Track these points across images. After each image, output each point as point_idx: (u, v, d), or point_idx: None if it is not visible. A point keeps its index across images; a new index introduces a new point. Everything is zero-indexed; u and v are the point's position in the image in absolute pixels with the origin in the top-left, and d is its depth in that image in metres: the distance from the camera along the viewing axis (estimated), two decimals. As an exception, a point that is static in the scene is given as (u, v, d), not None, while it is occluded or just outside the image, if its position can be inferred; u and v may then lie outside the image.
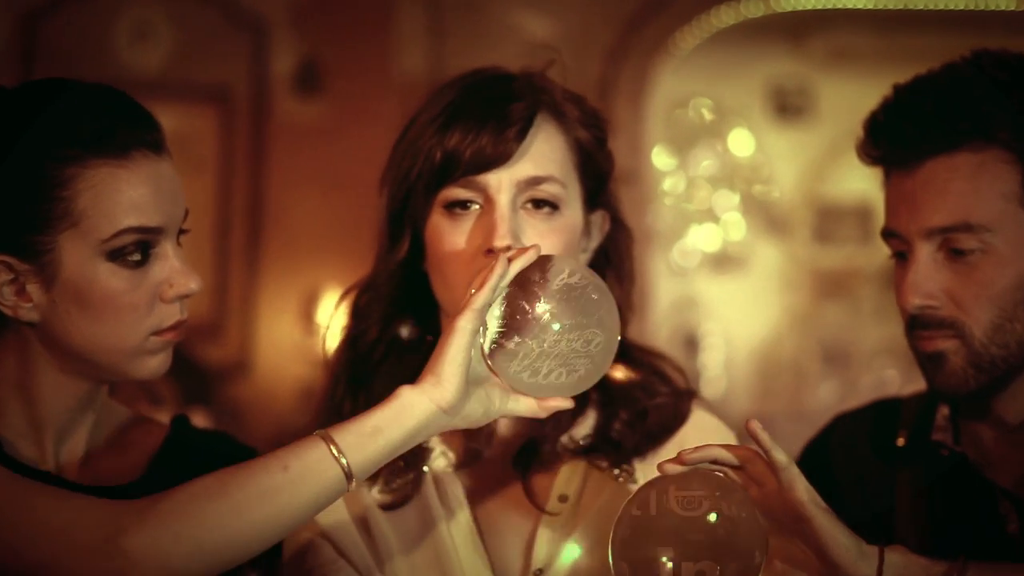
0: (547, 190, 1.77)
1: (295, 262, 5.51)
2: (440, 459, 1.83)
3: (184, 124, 5.51)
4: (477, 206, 1.77)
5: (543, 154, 1.78)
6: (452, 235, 1.78)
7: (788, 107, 7.42)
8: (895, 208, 1.87)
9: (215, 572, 1.54)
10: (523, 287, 1.63)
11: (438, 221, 1.79)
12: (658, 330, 6.51)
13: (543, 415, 1.67)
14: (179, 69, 5.55)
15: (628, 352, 1.87)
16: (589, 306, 1.63)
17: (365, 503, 1.82)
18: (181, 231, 1.70)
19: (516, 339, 1.62)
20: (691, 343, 7.22)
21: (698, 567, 1.54)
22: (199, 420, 3.44)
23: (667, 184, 7.31)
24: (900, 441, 1.94)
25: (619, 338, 1.66)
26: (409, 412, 1.58)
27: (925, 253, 1.82)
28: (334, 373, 1.87)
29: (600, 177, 1.86)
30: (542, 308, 1.62)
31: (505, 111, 1.76)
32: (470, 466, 1.83)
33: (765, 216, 7.45)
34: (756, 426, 1.60)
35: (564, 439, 1.83)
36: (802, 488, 1.58)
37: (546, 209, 1.78)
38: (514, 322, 1.62)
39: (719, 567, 1.54)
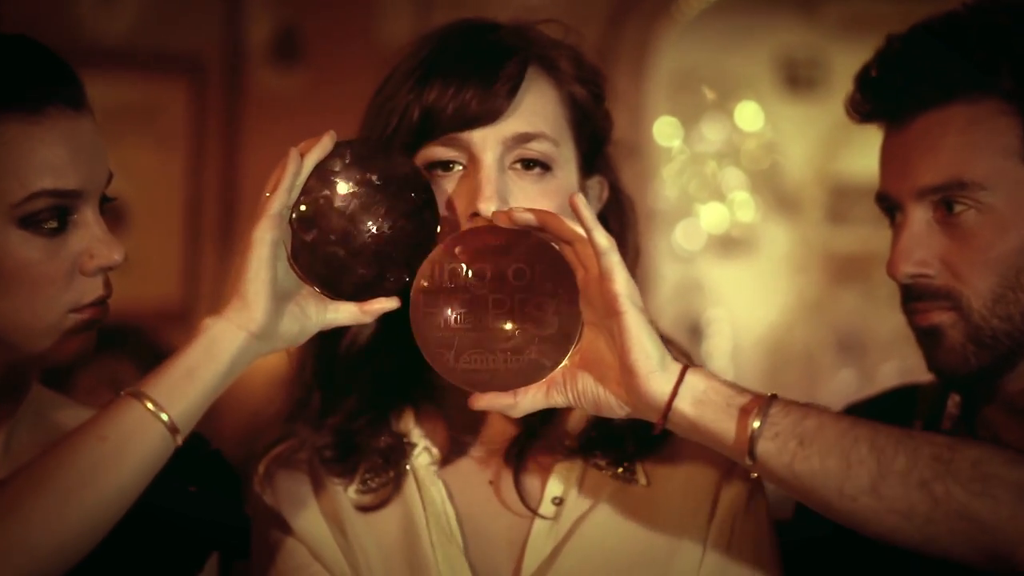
0: (537, 148, 1.72)
1: (272, 243, 5.49)
2: (423, 455, 1.79)
3: (153, 96, 5.48)
4: (460, 167, 1.72)
5: (533, 110, 1.73)
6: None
7: (799, 79, 7.40)
8: (887, 169, 1.83)
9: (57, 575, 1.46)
10: (323, 179, 1.61)
11: None
12: (660, 317, 6.49)
13: (367, 319, 1.64)
14: (147, 36, 5.51)
15: None
16: (402, 195, 1.63)
17: (340, 503, 1.77)
18: (106, 199, 1.64)
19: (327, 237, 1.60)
20: (696, 330, 7.20)
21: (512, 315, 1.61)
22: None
23: (670, 160, 7.30)
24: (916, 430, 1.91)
25: (438, 228, 1.65)
26: (220, 345, 1.53)
27: (917, 216, 1.78)
28: (300, 359, 1.82)
29: (597, 138, 1.81)
30: (348, 205, 1.61)
31: (492, 64, 1.71)
32: (455, 463, 1.79)
33: (775, 195, 7.43)
34: (579, 200, 1.60)
35: (558, 435, 1.79)
36: (621, 279, 1.57)
37: (536, 170, 1.73)
38: (320, 220, 1.60)
39: (527, 328, 1.61)
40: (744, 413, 1.58)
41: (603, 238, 1.58)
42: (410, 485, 1.77)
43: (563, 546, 1.72)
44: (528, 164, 1.73)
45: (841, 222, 7.31)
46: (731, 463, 1.76)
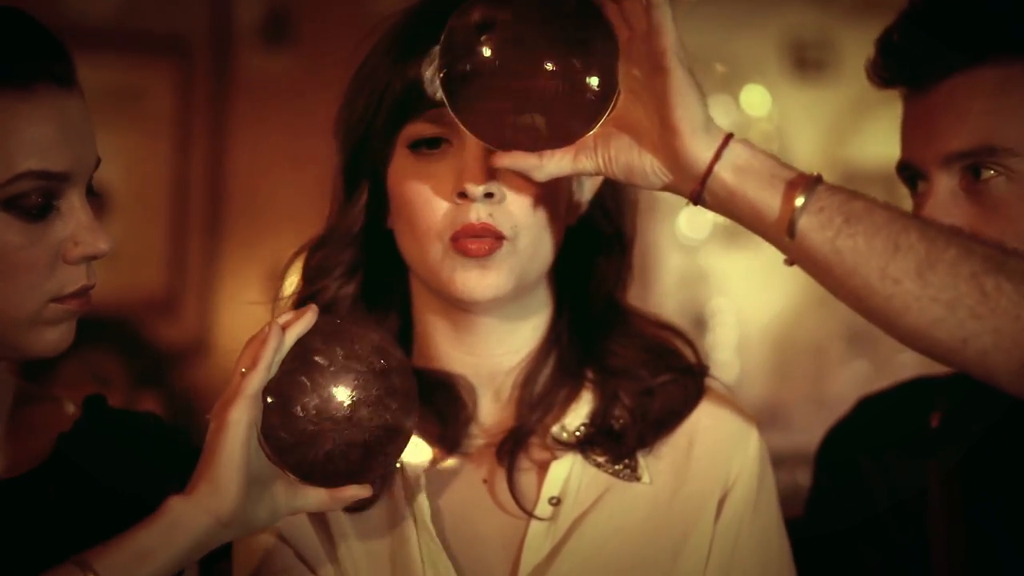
0: None
1: (260, 232, 5.46)
2: (412, 452, 1.73)
3: (137, 79, 5.46)
4: (447, 143, 1.69)
5: None
6: (419, 179, 1.69)
7: (808, 61, 7.39)
8: (910, 135, 1.80)
9: None
10: (301, 356, 1.56)
11: (402, 164, 1.72)
12: (662, 307, 6.48)
13: (337, 507, 1.61)
14: (132, 17, 5.49)
15: (630, 322, 1.81)
16: (384, 380, 1.58)
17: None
18: (93, 193, 1.61)
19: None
20: (700, 322, 7.19)
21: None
22: (151, 404, 3.41)
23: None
24: (934, 423, 1.90)
25: (413, 425, 1.61)
26: (182, 529, 1.49)
27: (943, 185, 1.75)
28: None
29: None
30: (328, 386, 1.56)
31: None
32: (446, 460, 1.76)
33: (782, 182, 7.43)
34: None
35: (555, 430, 1.75)
36: (671, 35, 1.54)
37: None
38: (296, 400, 1.55)
39: (562, 87, 1.57)
40: (789, 187, 1.54)
41: None
42: (398, 484, 1.74)
43: (561, 548, 1.69)
44: None
45: (851, 209, 7.29)
46: (739, 457, 1.75)
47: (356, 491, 1.61)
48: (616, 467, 1.75)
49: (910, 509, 1.86)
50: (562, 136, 1.60)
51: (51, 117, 1.55)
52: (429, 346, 1.79)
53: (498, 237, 1.68)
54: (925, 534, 1.85)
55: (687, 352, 1.83)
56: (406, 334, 1.82)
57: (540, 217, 1.71)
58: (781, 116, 7.41)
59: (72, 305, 1.59)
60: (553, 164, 1.61)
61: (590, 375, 1.79)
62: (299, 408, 1.55)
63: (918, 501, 1.86)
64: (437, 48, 1.62)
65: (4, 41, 1.56)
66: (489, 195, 1.67)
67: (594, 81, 1.59)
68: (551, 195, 1.71)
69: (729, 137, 1.56)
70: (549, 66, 1.58)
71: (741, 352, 7.29)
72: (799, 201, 1.53)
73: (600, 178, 1.80)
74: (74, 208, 1.58)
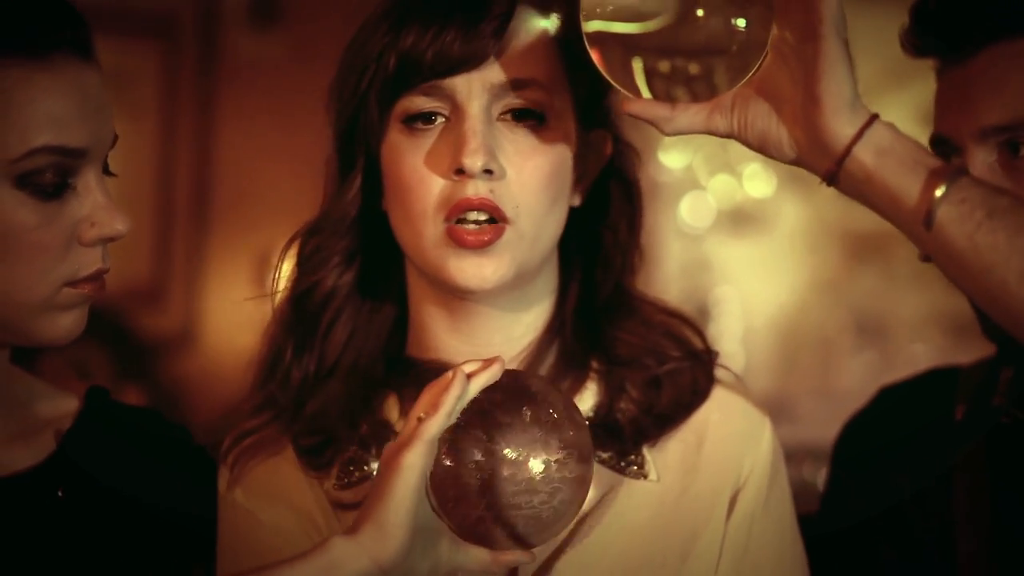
0: (530, 97, 1.66)
1: (248, 220, 5.45)
2: None
3: (122, 61, 5.45)
4: (443, 118, 1.66)
5: (523, 54, 1.67)
6: (413, 155, 1.66)
7: (814, 43, 7.39)
8: (945, 108, 1.79)
9: None
10: (484, 413, 1.53)
11: (396, 140, 1.68)
12: (664, 297, 6.46)
13: (499, 571, 1.58)
14: (115, -4, 5.50)
15: (637, 309, 1.78)
16: (566, 448, 1.53)
17: (318, 499, 1.72)
18: (108, 172, 1.58)
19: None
20: (703, 312, 7.18)
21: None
22: (134, 398, 3.40)
23: (675, 130, 7.28)
24: (958, 415, 1.89)
25: (585, 494, 1.57)
26: (340, 570, 1.46)
27: (979, 160, 1.73)
28: (278, 339, 1.76)
29: (595, 87, 1.71)
30: (505, 445, 1.51)
31: (477, 2, 1.65)
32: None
33: (788, 168, 7.41)
34: None
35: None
36: (832, 2, 1.50)
37: (530, 122, 1.67)
38: (470, 452, 1.52)
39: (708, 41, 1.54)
40: (932, 174, 1.49)
41: None
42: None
43: (564, 548, 1.67)
44: (520, 115, 1.67)
45: (858, 196, 7.28)
46: (752, 454, 1.72)
47: (519, 556, 1.57)
48: (622, 463, 1.72)
49: (931, 503, 1.85)
50: (701, 90, 1.57)
51: (69, 90, 1.52)
52: (425, 335, 1.76)
53: (499, 218, 1.65)
54: (946, 528, 1.84)
55: (696, 341, 1.80)
56: (402, 323, 1.79)
57: (544, 197, 1.67)
58: (787, 100, 7.39)
59: (86, 290, 1.56)
60: (685, 118, 1.58)
61: (595, 365, 1.76)
62: (472, 464, 1.52)
63: (939, 495, 1.85)
64: None
65: (22, 8, 1.51)
66: (488, 171, 1.64)
67: (741, 36, 1.55)
68: (556, 173, 1.68)
69: (874, 117, 1.52)
70: (699, 13, 1.54)
71: (746, 343, 7.28)
72: (940, 191, 1.48)
73: (607, 155, 1.78)
74: (90, 187, 1.55)
